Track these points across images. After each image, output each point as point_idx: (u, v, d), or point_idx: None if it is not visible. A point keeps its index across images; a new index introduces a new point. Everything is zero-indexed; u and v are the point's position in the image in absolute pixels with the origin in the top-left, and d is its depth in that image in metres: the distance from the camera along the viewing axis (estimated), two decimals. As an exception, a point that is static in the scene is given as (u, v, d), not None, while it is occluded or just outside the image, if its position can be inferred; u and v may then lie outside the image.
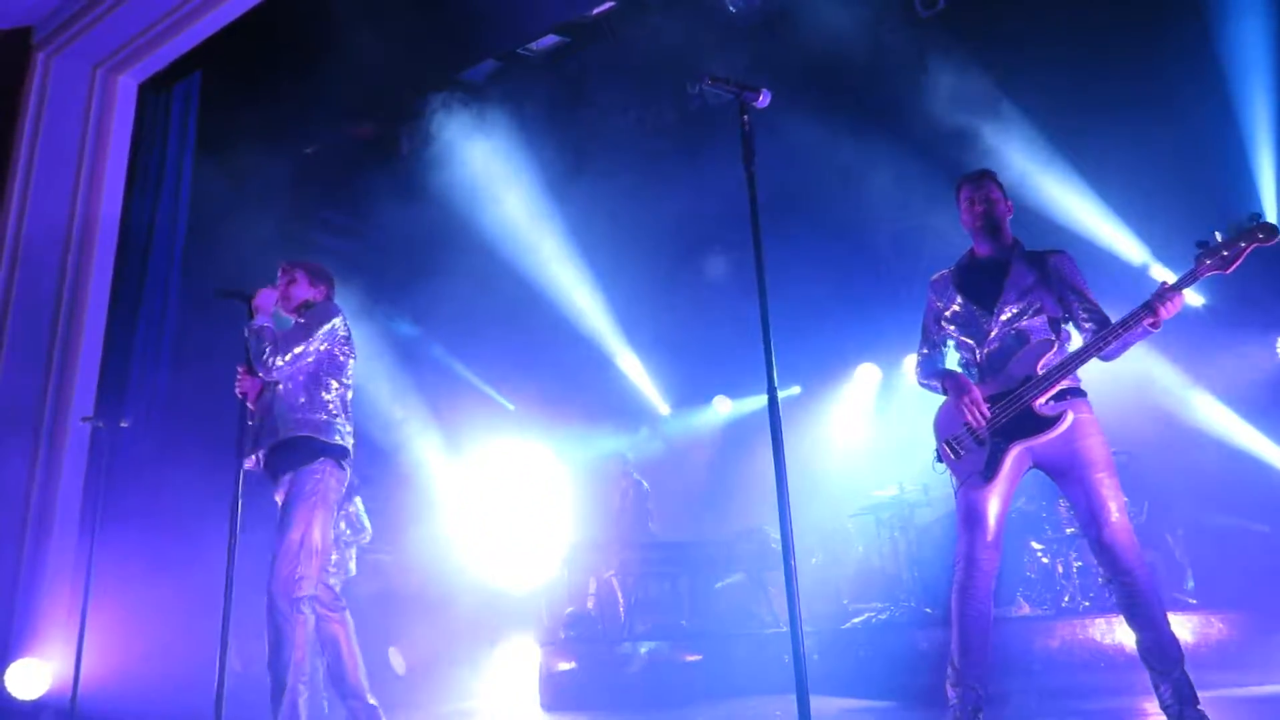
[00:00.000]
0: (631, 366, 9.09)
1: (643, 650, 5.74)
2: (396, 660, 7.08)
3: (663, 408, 9.39)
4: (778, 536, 3.34)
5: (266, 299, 3.72)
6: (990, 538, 3.03)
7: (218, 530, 3.95)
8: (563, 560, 7.50)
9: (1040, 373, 3.01)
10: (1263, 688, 4.03)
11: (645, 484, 7.86)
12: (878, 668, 4.86)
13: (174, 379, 6.79)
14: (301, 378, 3.64)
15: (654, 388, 9.31)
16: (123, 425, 5.82)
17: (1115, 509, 2.90)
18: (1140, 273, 6.46)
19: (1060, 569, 5.23)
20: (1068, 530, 5.32)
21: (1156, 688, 2.82)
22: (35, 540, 5.99)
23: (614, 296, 8.52)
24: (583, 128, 7.36)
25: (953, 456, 3.14)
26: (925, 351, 3.36)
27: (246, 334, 3.64)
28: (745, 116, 2.50)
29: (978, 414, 3.03)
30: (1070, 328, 3.16)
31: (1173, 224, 6.07)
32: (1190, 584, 5.37)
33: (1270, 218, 6.13)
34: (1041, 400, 2.99)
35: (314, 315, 3.71)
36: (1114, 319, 2.99)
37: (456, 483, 8.48)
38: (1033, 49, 6.25)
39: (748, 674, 5.34)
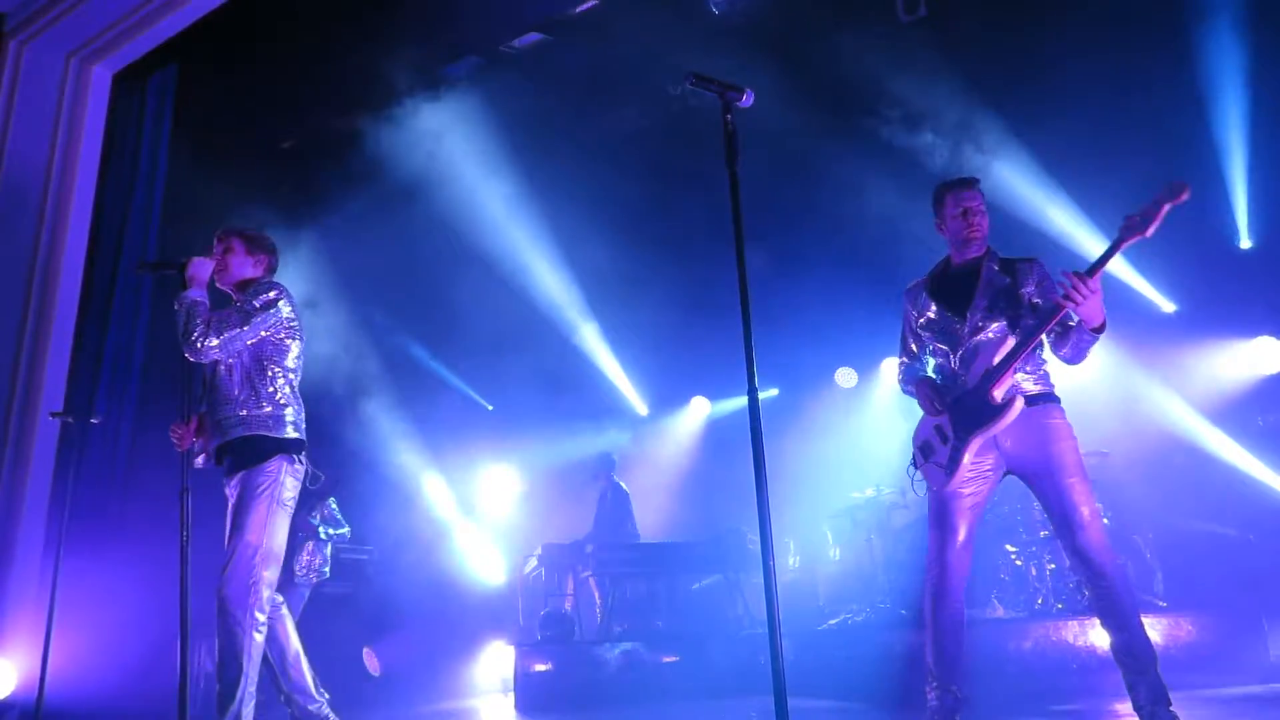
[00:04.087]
0: (610, 367, 9.07)
1: (619, 651, 5.73)
2: (371, 661, 7.02)
3: (641, 409, 9.38)
4: (755, 538, 3.35)
5: (202, 269, 3.36)
6: (961, 540, 3.07)
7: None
8: (539, 560, 7.47)
9: (996, 364, 3.05)
10: (1231, 689, 4.09)
11: (625, 486, 7.84)
12: (853, 669, 4.88)
13: (146, 374, 6.69)
14: (242, 365, 3.34)
15: (632, 389, 9.30)
16: (93, 421, 5.73)
17: (1089, 513, 2.93)
18: (1109, 278, 6.54)
19: (1034, 571, 5.28)
20: (1041, 533, 5.37)
21: (1130, 688, 2.85)
22: (1, 537, 5.88)
23: (593, 297, 8.50)
24: (564, 126, 7.34)
25: (924, 460, 3.19)
26: (905, 360, 3.42)
27: (176, 307, 3.27)
28: (728, 116, 2.50)
29: (934, 405, 3.12)
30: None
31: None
32: (1159, 587, 5.43)
33: (1242, 226, 6.26)
34: (996, 389, 3.02)
35: (252, 295, 3.36)
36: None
37: (433, 483, 8.42)
38: (1012, 57, 6.32)
39: (724, 675, 5.35)
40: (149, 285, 6.81)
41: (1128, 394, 6.29)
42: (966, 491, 3.07)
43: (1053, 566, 5.23)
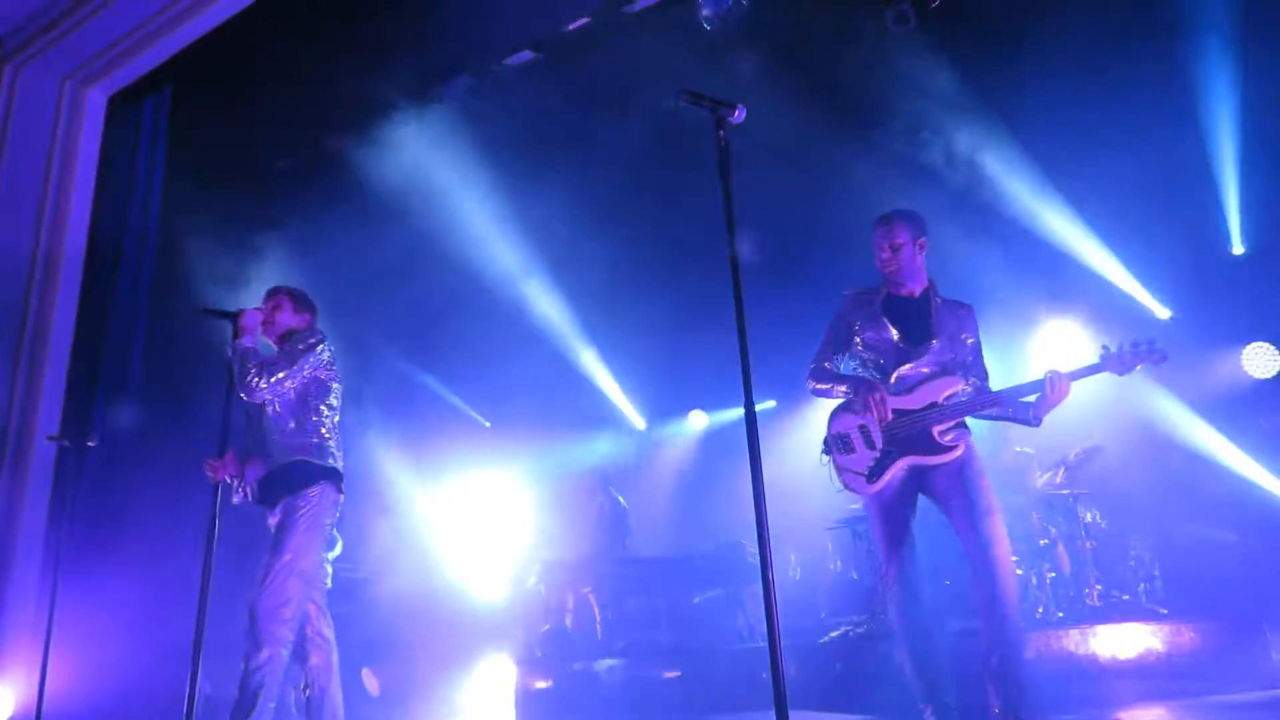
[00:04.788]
0: (606, 382, 9.08)
1: (620, 667, 5.70)
2: (370, 682, 6.97)
3: (639, 422, 9.37)
4: (755, 550, 3.36)
5: (253, 319, 3.75)
6: (910, 544, 3.20)
7: (185, 551, 3.89)
8: (538, 577, 7.44)
9: (943, 402, 3.18)
10: (1233, 695, 4.09)
11: (622, 500, 7.83)
12: (855, 681, 4.86)
13: (143, 397, 6.67)
14: (289, 403, 3.67)
15: (629, 402, 9.30)
16: (89, 444, 5.71)
17: (993, 505, 3.09)
18: (1105, 284, 6.57)
19: (1034, 580, 5.27)
20: (1041, 542, 5.36)
21: (994, 696, 2.96)
22: (-2, 562, 5.85)
23: (588, 311, 8.51)
24: (556, 143, 7.36)
25: (840, 450, 3.29)
26: (829, 357, 3.48)
27: (230, 353, 3.65)
28: (721, 132, 2.52)
29: (881, 411, 3.16)
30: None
31: (1142, 235, 6.19)
32: (1159, 593, 5.42)
33: (1235, 232, 6.30)
34: (940, 428, 3.16)
35: (298, 340, 3.73)
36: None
37: (429, 500, 8.40)
38: (1005, 70, 6.35)
39: (726, 690, 5.32)
40: (145, 308, 6.81)
41: (1125, 400, 6.30)
42: (902, 500, 3.21)
43: (1053, 575, 5.22)
